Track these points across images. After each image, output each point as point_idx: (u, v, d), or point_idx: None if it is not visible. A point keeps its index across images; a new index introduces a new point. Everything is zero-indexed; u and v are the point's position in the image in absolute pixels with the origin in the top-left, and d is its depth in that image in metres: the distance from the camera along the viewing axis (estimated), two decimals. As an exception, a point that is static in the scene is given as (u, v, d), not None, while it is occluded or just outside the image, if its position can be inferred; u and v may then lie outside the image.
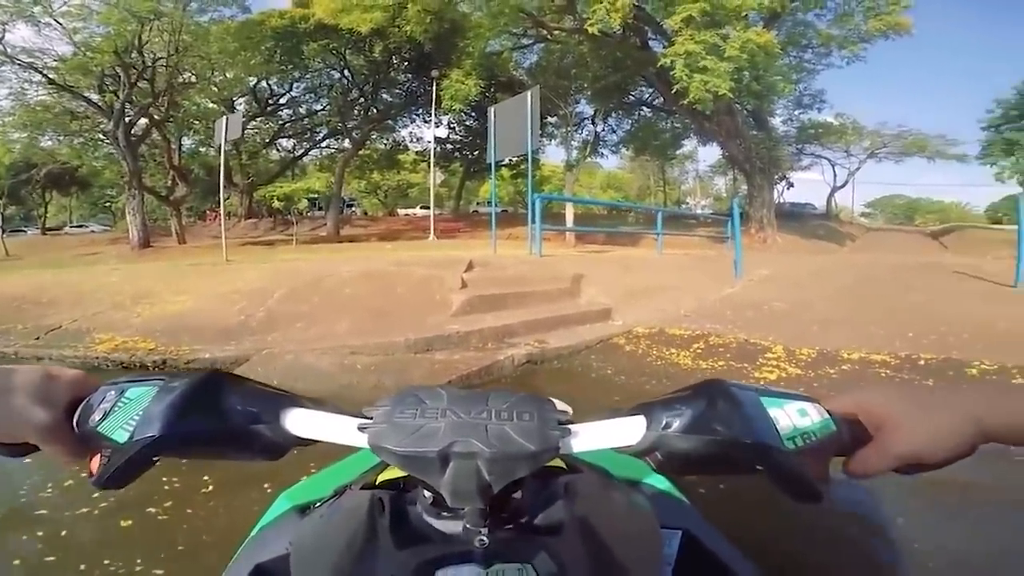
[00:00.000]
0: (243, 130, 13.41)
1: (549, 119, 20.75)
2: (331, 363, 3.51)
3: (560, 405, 0.40)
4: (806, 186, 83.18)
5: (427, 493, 0.39)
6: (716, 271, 7.47)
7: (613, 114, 23.53)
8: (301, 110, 24.49)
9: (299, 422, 0.38)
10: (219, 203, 12.32)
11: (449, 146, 25.68)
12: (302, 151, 27.11)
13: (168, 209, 21.45)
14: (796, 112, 26.12)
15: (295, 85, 22.77)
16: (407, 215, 33.06)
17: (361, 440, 0.36)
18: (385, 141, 26.08)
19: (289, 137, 26.32)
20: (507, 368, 3.78)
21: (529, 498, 0.40)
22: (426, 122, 23.53)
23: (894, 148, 32.25)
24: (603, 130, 24.31)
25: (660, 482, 0.59)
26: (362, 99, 21.96)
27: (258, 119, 23.58)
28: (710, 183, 48.39)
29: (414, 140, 26.35)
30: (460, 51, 17.25)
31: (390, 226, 25.50)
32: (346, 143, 23.70)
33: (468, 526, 0.37)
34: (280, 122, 25.12)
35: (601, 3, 13.33)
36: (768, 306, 5.42)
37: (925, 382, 3.28)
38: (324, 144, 26.55)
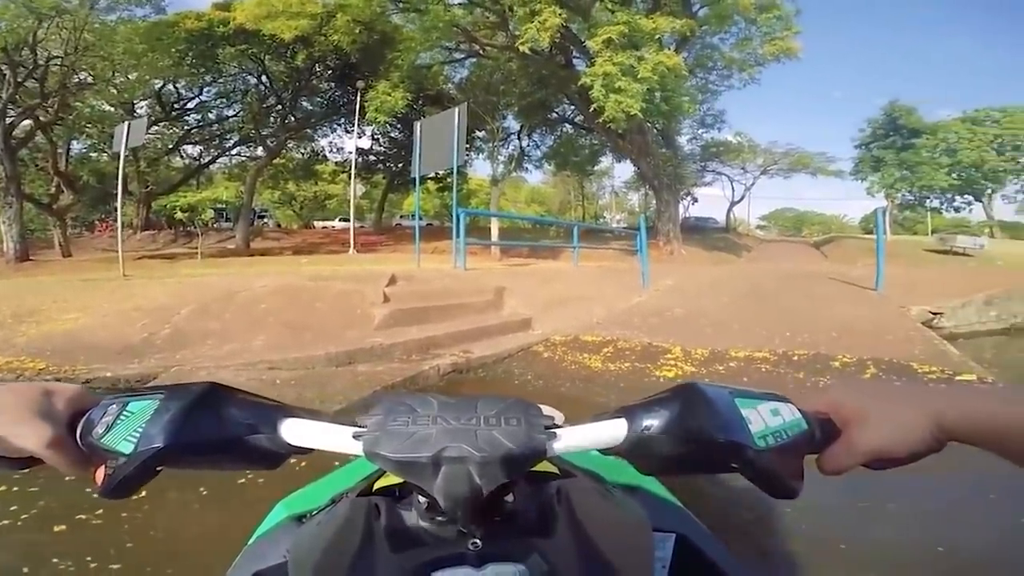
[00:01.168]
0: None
1: (477, 133, 21.01)
2: (249, 379, 3.43)
3: (547, 410, 0.41)
4: (708, 201, 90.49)
5: (421, 498, 0.40)
6: (626, 282, 8.01)
7: (537, 130, 24.17)
8: (211, 115, 22.99)
9: (296, 431, 0.40)
10: (113, 213, 11.29)
11: (372, 157, 25.15)
12: (209, 159, 25.40)
13: (51, 219, 19.21)
14: (700, 131, 28.36)
15: (206, 89, 21.39)
16: (325, 228, 31.85)
17: (356, 448, 0.37)
18: (303, 150, 25.08)
19: (195, 143, 24.57)
20: (432, 378, 3.88)
21: (522, 502, 0.42)
22: (348, 132, 22.96)
23: (783, 165, 36.14)
24: (528, 145, 24.91)
25: (653, 486, 0.59)
26: (280, 106, 21.04)
27: (161, 124, 21.86)
28: (625, 198, 51.01)
29: (334, 150, 25.58)
30: (389, 63, 16.99)
31: (306, 239, 24.48)
32: (259, 151, 22.54)
33: (462, 529, 0.38)
34: (186, 127, 23.41)
35: (532, 22, 13.77)
36: (670, 312, 5.93)
37: (796, 375, 3.80)
38: (234, 152, 25.05)
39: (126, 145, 8.43)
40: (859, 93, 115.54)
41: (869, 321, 5.18)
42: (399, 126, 21.66)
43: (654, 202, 22.65)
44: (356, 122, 17.24)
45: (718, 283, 8.16)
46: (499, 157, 22.08)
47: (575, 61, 18.00)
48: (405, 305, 5.22)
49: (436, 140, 8.65)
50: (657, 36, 14.45)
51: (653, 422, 0.39)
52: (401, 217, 37.31)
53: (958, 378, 3.54)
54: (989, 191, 40.73)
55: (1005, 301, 7.38)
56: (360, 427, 0.38)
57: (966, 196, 41.69)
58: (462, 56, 19.79)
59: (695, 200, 34.80)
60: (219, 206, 22.93)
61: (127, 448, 0.37)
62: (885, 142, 40.18)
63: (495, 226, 19.17)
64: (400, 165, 24.49)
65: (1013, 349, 6.43)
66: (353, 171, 17.10)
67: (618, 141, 18.45)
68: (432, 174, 19.29)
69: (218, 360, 3.70)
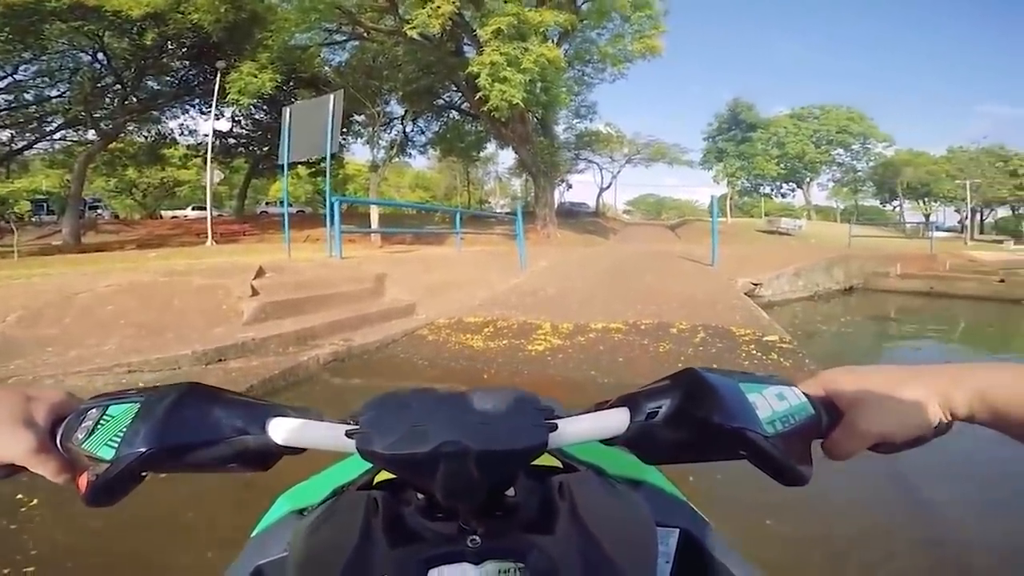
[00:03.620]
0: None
1: (356, 118, 20.04)
2: (107, 383, 3.14)
3: (545, 401, 0.40)
4: (581, 187, 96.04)
5: (420, 494, 0.39)
6: (506, 265, 8.43)
7: (423, 116, 23.75)
8: (27, 96, 19.13)
9: (285, 431, 0.39)
10: None
11: (232, 140, 22.79)
12: (23, 144, 21.20)
13: None
14: (574, 121, 30.14)
15: (23, 68, 17.72)
16: (175, 217, 28.39)
17: (349, 446, 0.36)
18: (146, 133, 21.97)
19: (6, 127, 20.33)
20: (312, 368, 3.86)
21: (523, 496, 0.41)
22: (204, 114, 20.62)
23: (645, 155, 39.66)
24: (412, 131, 24.43)
25: (657, 480, 0.58)
26: (119, 86, 18.12)
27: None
28: (509, 184, 52.35)
29: (186, 132, 22.73)
30: (257, 43, 15.46)
31: (152, 231, 21.63)
32: (91, 135, 19.31)
33: (461, 525, 0.37)
34: (-8, 110, 19.20)
35: (424, 8, 13.47)
36: (544, 292, 6.43)
37: (642, 341, 4.42)
38: (58, 136, 21.19)
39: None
40: (713, 89, 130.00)
41: (704, 293, 6.10)
42: (265, 107, 19.95)
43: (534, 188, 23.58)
44: (214, 104, 15.52)
45: (585, 264, 8.93)
46: (380, 142, 21.38)
47: (464, 48, 17.91)
48: (277, 297, 5.02)
49: (308, 126, 8.24)
50: (542, 29, 14.86)
51: (657, 410, 0.39)
52: (267, 204, 34.53)
53: (765, 338, 4.39)
54: (808, 179, 48.58)
55: (810, 272, 9.08)
56: (353, 424, 0.38)
57: (791, 184, 49.33)
58: (343, 38, 18.76)
59: (570, 186, 36.98)
60: (39, 197, 19.34)
61: (108, 453, 0.35)
62: (728, 135, 45.98)
63: (375, 213, 18.66)
64: (266, 149, 22.57)
65: (814, 312, 7.97)
66: (209, 155, 15.42)
67: (501, 129, 18.79)
68: (304, 159, 18.15)
69: (64, 367, 3.32)
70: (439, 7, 13.39)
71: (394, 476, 0.44)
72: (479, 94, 14.50)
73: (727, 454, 0.37)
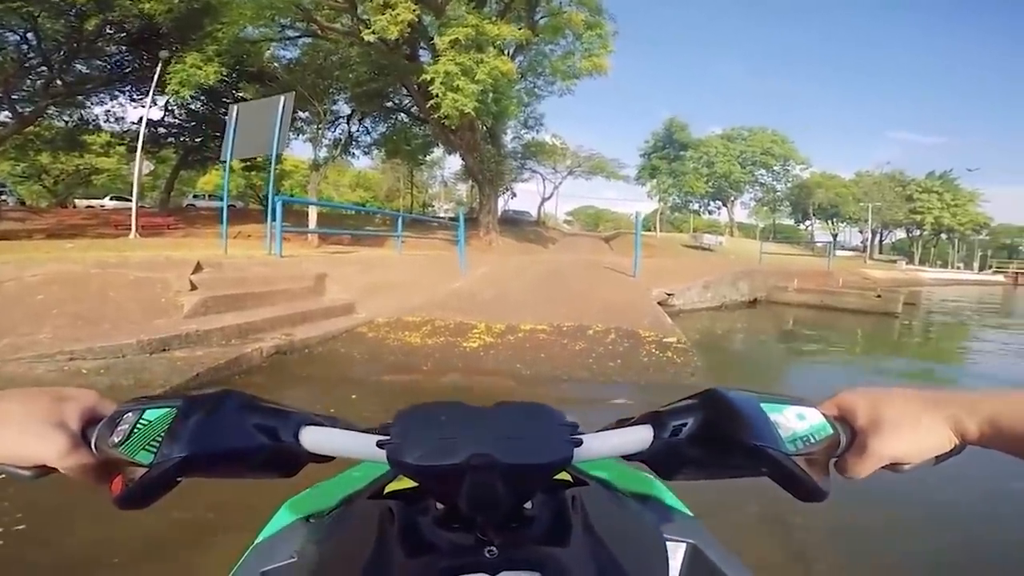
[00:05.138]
0: None
1: (299, 114, 19.66)
2: (48, 371, 3.24)
3: (569, 416, 0.40)
4: (525, 196, 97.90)
5: (439, 504, 0.40)
6: (446, 269, 8.82)
7: (370, 116, 23.48)
8: None
9: (317, 439, 0.39)
10: None
11: (162, 130, 21.54)
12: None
13: None
14: (522, 131, 30.87)
15: None
16: (90, 207, 26.42)
17: (380, 455, 0.37)
18: (67, 118, 20.37)
19: None
20: (256, 359, 4.09)
21: (538, 509, 0.41)
22: (133, 101, 19.42)
23: (586, 167, 41.24)
24: (358, 131, 24.00)
25: (665, 496, 0.58)
26: (44, 68, 16.76)
27: None
28: (454, 189, 52.43)
29: (112, 119, 21.26)
30: (205, 34, 14.77)
31: (63, 220, 19.98)
32: (3, 116, 17.69)
33: (478, 535, 0.38)
34: None
35: (384, 14, 13.46)
36: (481, 295, 6.89)
37: (562, 341, 4.97)
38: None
39: None
40: (653, 107, 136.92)
41: (623, 300, 6.78)
42: (202, 98, 19.05)
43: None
44: (151, 93, 14.74)
45: (522, 271, 9.48)
46: (324, 141, 20.98)
47: (420, 53, 17.90)
48: (217, 292, 5.15)
49: (254, 125, 8.25)
50: (499, 42, 15.19)
51: (680, 428, 0.40)
52: (194, 197, 32.81)
53: (665, 339, 5.06)
54: (733, 198, 52.09)
55: (718, 285, 10.09)
56: (384, 435, 0.38)
57: (718, 201, 52.74)
58: (296, 34, 18.30)
59: (514, 195, 37.74)
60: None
61: (146, 458, 0.36)
62: (662, 153, 48.59)
63: (313, 212, 18.37)
64: (199, 140, 21.56)
65: (718, 320, 8.92)
66: (140, 144, 14.65)
67: (450, 135, 18.87)
68: (245, 157, 17.57)
69: None
70: (399, 15, 13.49)
71: (407, 487, 0.45)
72: (431, 101, 14.63)
73: (748, 471, 0.39)
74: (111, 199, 28.01)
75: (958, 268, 51.37)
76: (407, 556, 0.37)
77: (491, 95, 15.04)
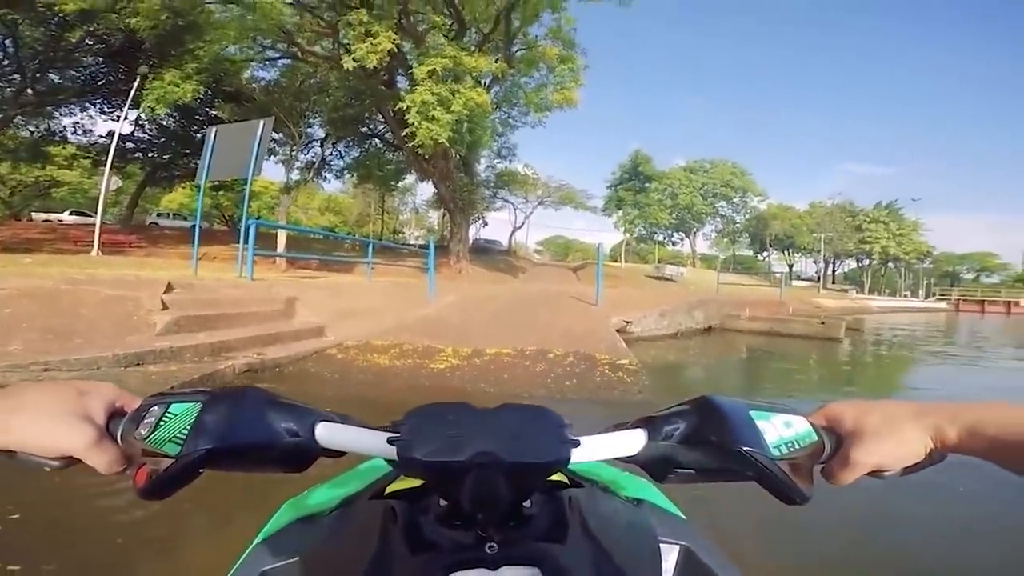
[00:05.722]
0: None
1: (274, 135, 19.75)
2: (23, 380, 3.34)
3: (567, 419, 0.41)
4: (496, 225, 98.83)
5: (442, 502, 0.41)
6: (416, 296, 9.08)
7: (343, 141, 23.66)
8: None
9: (331, 435, 0.41)
10: None
11: (131, 144, 21.23)
12: None
13: None
14: (495, 161, 31.71)
15: None
16: (47, 221, 25.59)
17: (390, 452, 0.38)
18: (33, 128, 19.90)
19: None
20: (228, 376, 4.25)
21: (536, 508, 0.43)
22: (104, 114, 19.20)
23: (556, 197, 42.35)
24: (331, 155, 24.10)
25: (659, 499, 0.60)
26: (17, 76, 16.47)
27: None
28: (425, 215, 52.78)
29: (80, 132, 20.83)
30: (186, 51, 14.84)
31: (19, 233, 19.37)
32: None
33: (479, 533, 0.39)
34: None
35: (365, 43, 13.80)
36: (449, 321, 7.18)
37: (524, 363, 5.30)
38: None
39: None
40: (622, 139, 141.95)
41: (583, 327, 7.18)
42: (175, 115, 18.96)
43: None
44: (125, 107, 14.64)
45: (490, 299, 9.82)
46: (296, 164, 21.10)
47: (397, 80, 18.33)
48: (189, 312, 5.27)
49: (232, 148, 8.40)
50: (476, 74, 15.70)
51: (673, 432, 0.42)
52: (158, 215, 32.15)
53: (619, 361, 5.44)
54: (695, 229, 53.90)
55: (673, 314, 10.64)
56: (394, 432, 0.39)
57: (680, 232, 54.52)
58: (276, 56, 18.57)
59: (485, 223, 38.32)
60: None
61: (173, 450, 0.38)
62: (627, 185, 50.22)
63: (282, 236, 18.34)
64: (168, 157, 21.36)
65: (672, 346, 9.42)
66: (110, 158, 14.44)
67: (423, 163, 19.23)
68: (220, 179, 17.48)
69: (-28, 366, 3.46)
70: (380, 43, 13.84)
71: (408, 487, 0.47)
72: (407, 129, 14.93)
73: (735, 475, 0.41)
74: (71, 214, 27.28)
75: (905, 296, 53.24)
76: (411, 553, 0.39)
77: (466, 125, 15.43)
